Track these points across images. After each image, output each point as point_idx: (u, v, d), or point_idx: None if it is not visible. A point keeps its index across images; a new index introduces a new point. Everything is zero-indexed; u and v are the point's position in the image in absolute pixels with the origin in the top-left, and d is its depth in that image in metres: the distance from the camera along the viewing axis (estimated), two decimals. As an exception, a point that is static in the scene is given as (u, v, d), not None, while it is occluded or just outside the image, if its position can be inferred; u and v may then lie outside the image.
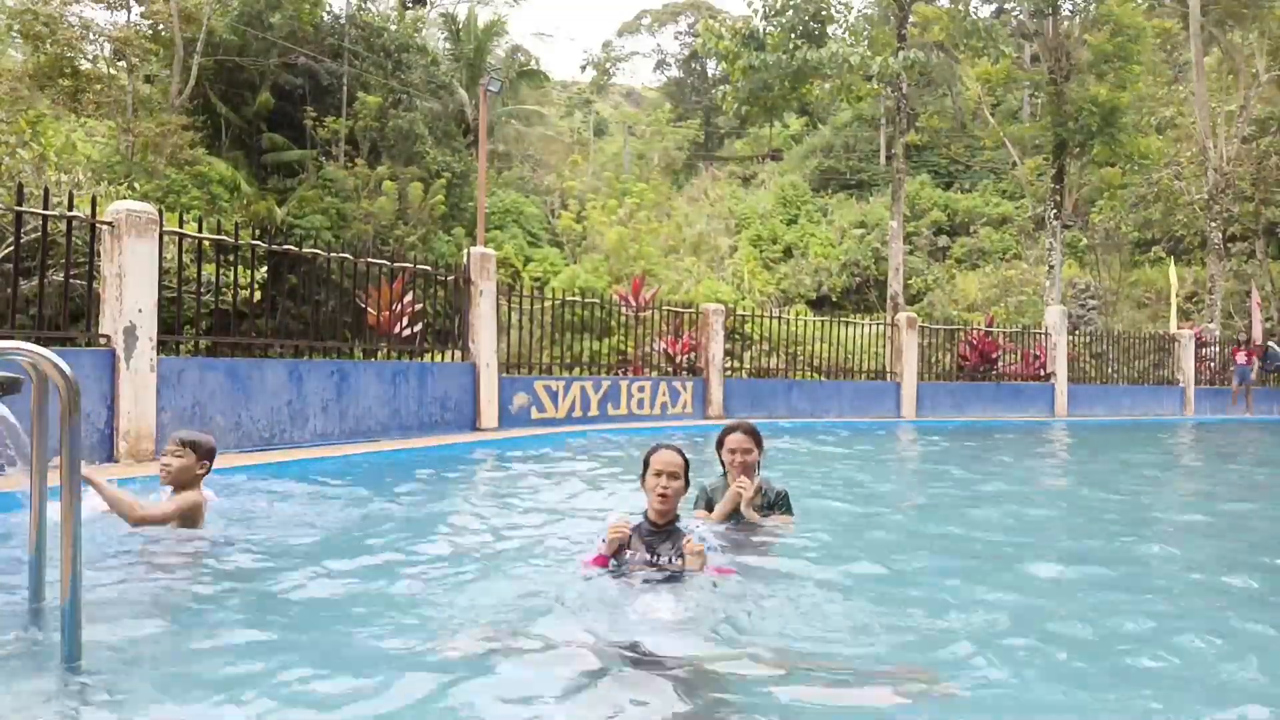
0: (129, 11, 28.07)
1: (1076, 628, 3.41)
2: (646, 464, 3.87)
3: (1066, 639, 3.27)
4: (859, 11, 23.85)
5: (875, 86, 22.56)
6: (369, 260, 10.25)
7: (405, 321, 10.55)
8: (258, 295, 10.88)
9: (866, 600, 3.74)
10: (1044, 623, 3.48)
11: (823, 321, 16.69)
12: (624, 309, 14.87)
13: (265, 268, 10.52)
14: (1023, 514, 6.47)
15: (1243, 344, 21.49)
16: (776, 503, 4.89)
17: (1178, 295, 24.72)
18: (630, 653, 2.86)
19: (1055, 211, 23.06)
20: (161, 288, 7.75)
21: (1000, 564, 4.73)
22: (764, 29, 21.66)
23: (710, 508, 4.86)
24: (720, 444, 4.85)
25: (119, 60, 26.02)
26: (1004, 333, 18.88)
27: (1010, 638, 3.24)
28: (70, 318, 8.95)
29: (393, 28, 33.25)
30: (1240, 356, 20.97)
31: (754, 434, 4.78)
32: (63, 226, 7.52)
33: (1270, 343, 22.41)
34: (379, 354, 10.24)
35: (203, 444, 4.56)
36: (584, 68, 66.14)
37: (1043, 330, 18.81)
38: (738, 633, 3.18)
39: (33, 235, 8.62)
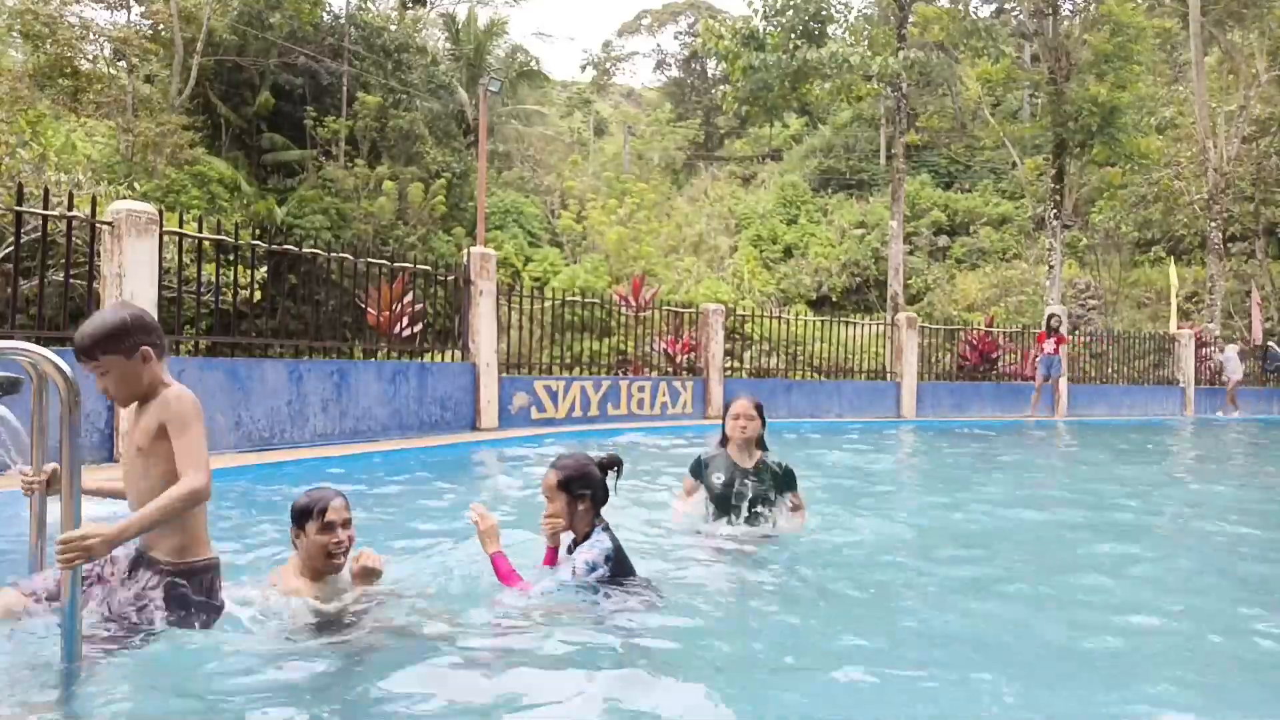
0: (129, 11, 28.12)
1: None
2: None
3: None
4: (859, 11, 23.84)
5: (875, 86, 22.56)
6: (369, 260, 10.26)
7: (405, 321, 10.56)
8: (258, 295, 10.89)
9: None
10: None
11: (823, 321, 16.68)
12: (624, 309, 14.87)
13: (265, 268, 10.53)
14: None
15: (1053, 329, 16.83)
16: (783, 478, 4.90)
17: (1178, 295, 24.71)
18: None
19: (1055, 211, 23.05)
20: (161, 288, 7.76)
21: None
22: (764, 29, 21.64)
23: (699, 475, 4.94)
24: (726, 410, 4.98)
25: (119, 60, 26.04)
26: (1004, 333, 18.88)
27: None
28: (70, 318, 8.95)
29: (393, 28, 33.28)
30: (1048, 344, 16.58)
31: (757, 406, 4.92)
32: (63, 226, 7.52)
33: (1270, 343, 22.41)
34: (379, 354, 10.24)
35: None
36: (584, 68, 66.14)
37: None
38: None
39: (33, 235, 8.63)
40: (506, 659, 2.89)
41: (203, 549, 2.89)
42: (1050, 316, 17.44)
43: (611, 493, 3.60)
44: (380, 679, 2.66)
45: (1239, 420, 18.43)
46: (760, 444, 4.89)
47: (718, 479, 4.81)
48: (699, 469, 4.95)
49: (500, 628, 3.16)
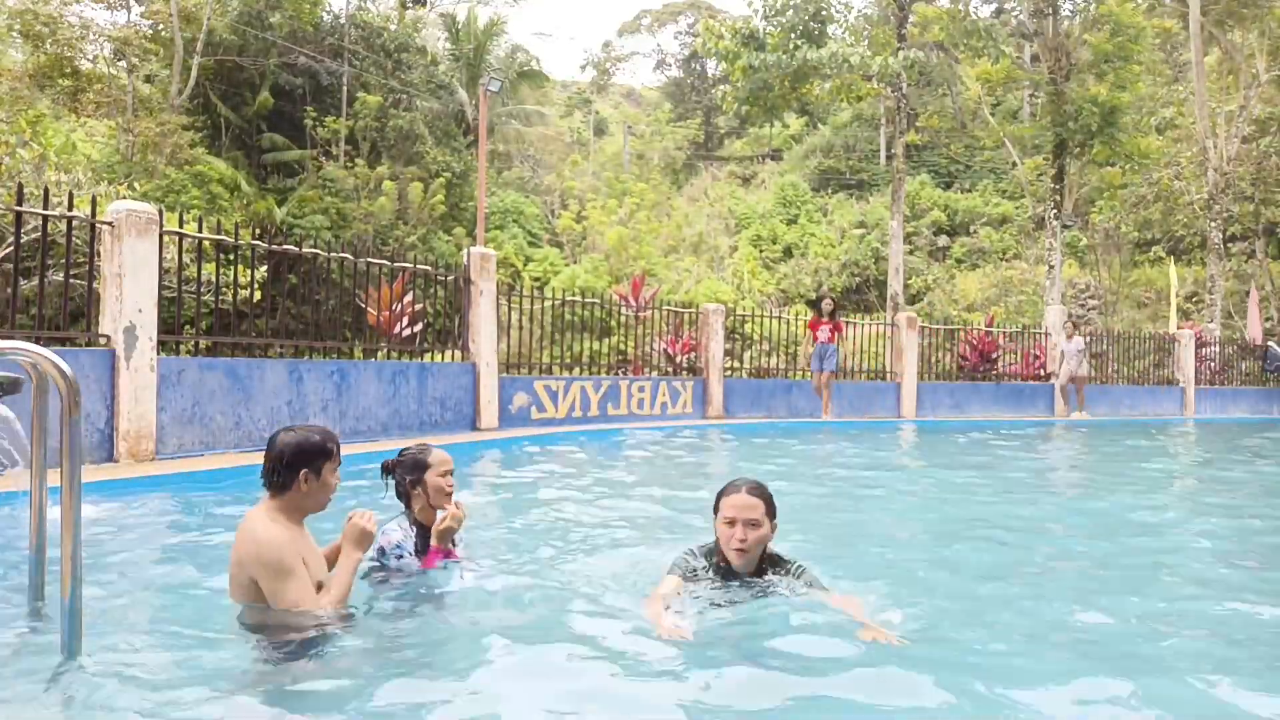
0: (129, 11, 28.12)
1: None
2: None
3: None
4: (859, 11, 23.89)
5: (875, 86, 22.57)
6: (369, 260, 10.26)
7: (405, 321, 10.56)
8: (258, 295, 10.89)
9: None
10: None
11: (823, 321, 16.65)
12: (624, 309, 14.88)
13: (265, 267, 10.53)
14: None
15: (825, 312, 14.77)
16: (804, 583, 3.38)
17: (1178, 295, 24.70)
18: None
19: (1055, 211, 23.04)
20: (161, 288, 7.76)
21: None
22: (764, 29, 21.66)
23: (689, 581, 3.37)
24: (717, 501, 3.37)
25: (119, 60, 26.05)
26: (1004, 333, 18.88)
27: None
28: (70, 318, 8.96)
29: (393, 28, 33.30)
30: (822, 332, 14.50)
31: (766, 498, 3.34)
32: (63, 226, 7.52)
33: (1270, 343, 22.40)
34: (379, 354, 10.24)
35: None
36: (584, 67, 66.30)
37: (1043, 330, 18.81)
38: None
39: (33, 235, 8.64)
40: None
41: None
42: (823, 300, 15.36)
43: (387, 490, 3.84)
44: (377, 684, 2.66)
45: (1084, 424, 16.09)
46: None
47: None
48: (688, 575, 3.37)
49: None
